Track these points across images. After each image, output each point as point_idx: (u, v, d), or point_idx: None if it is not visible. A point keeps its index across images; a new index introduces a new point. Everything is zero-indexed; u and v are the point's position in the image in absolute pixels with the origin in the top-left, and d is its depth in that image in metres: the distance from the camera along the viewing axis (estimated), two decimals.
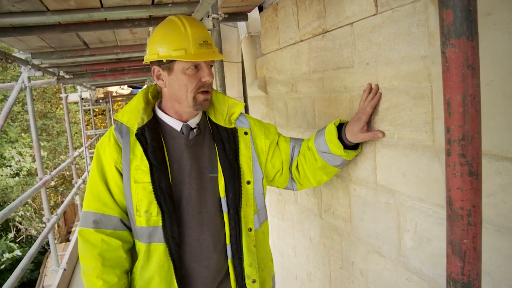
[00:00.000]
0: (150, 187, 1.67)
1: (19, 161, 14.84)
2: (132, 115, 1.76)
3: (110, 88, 13.09)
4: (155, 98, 1.89)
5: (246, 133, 1.87)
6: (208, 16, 2.69)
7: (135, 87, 13.74)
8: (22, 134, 15.17)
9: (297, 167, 1.97)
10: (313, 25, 2.27)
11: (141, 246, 1.74)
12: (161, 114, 1.81)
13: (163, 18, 3.09)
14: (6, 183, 14.38)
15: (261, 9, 3.33)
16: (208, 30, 2.73)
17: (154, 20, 3.11)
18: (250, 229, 1.80)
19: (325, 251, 2.49)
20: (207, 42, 1.68)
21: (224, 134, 1.83)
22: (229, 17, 3.13)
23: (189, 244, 1.74)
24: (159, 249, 1.71)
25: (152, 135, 1.72)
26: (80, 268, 1.78)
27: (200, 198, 1.75)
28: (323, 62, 2.23)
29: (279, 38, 2.83)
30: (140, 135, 1.72)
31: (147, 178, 1.68)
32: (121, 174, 1.73)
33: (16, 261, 13.35)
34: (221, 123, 1.85)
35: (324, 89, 2.26)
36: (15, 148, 14.70)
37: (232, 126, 1.85)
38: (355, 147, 1.86)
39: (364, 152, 1.94)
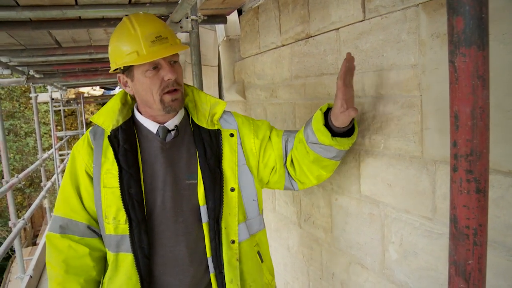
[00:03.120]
0: (118, 192, 1.58)
1: None
2: (108, 116, 1.67)
3: (82, 89, 12.82)
4: (135, 98, 1.77)
5: (232, 135, 1.72)
6: (187, 18, 2.62)
7: (107, 88, 13.50)
8: None
9: (292, 162, 1.76)
10: (296, 30, 2.22)
11: (109, 256, 1.66)
12: (138, 116, 1.72)
13: None
14: None
15: (240, 12, 3.28)
16: (187, 32, 2.67)
17: None
18: (233, 241, 1.65)
19: (304, 261, 2.44)
20: (161, 37, 1.54)
21: (206, 136, 1.69)
22: (208, 19, 3.07)
23: (161, 255, 1.64)
24: (127, 259, 1.61)
25: (126, 137, 1.63)
26: (47, 275, 1.70)
27: (176, 206, 1.63)
28: (305, 68, 2.19)
29: (259, 42, 2.77)
30: (113, 137, 1.63)
31: (116, 183, 1.59)
32: (91, 178, 1.65)
33: None
34: (203, 124, 1.71)
35: (306, 95, 2.21)
36: None
37: (215, 127, 1.71)
38: (348, 134, 1.61)
39: (347, 161, 1.89)
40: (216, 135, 1.70)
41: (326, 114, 1.62)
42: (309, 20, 2.08)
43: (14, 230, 5.30)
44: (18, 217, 5.61)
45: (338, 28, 1.85)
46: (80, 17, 2.90)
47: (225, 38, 3.69)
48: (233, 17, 3.31)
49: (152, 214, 1.63)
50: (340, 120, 1.53)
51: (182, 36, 4.94)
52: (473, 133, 0.73)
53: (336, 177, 1.99)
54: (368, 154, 1.74)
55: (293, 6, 2.23)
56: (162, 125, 1.68)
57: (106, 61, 5.71)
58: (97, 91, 13.85)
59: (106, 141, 1.64)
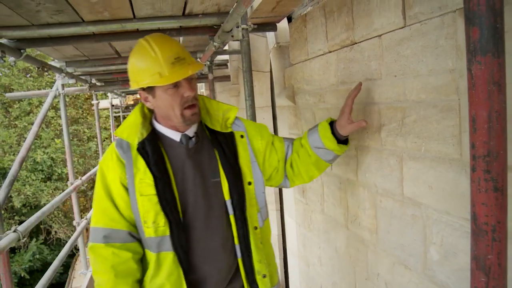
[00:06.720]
0: (155, 199, 1.73)
1: (51, 165, 15.23)
2: (132, 130, 1.82)
3: None
4: (152, 111, 1.93)
5: (242, 136, 1.94)
6: (238, 27, 2.73)
7: None
8: (55, 139, 15.57)
9: (291, 164, 2.06)
10: (342, 37, 2.28)
11: (151, 256, 1.81)
12: (159, 127, 1.87)
13: (193, 28, 3.16)
14: (37, 187, 14.77)
15: (290, 19, 3.36)
16: (237, 40, 2.79)
17: (184, 31, 3.17)
18: (256, 228, 1.88)
19: (351, 261, 2.49)
20: (180, 58, 1.71)
21: (222, 139, 1.89)
22: (258, 28, 3.17)
23: (199, 248, 1.82)
24: (169, 257, 1.77)
25: (153, 148, 1.78)
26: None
27: (206, 203, 1.82)
28: (351, 74, 2.24)
29: (307, 49, 2.85)
30: (142, 149, 1.78)
31: (152, 191, 1.74)
32: (126, 189, 1.79)
33: (46, 262, 13.66)
34: (218, 128, 1.90)
35: None
36: (47, 153, 15.09)
37: (229, 130, 1.92)
38: (345, 142, 2.00)
39: (390, 164, 1.94)
40: (230, 136, 1.91)
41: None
42: (353, 27, 2.14)
43: (78, 229, 5.64)
44: (81, 217, 5.95)
45: (380, 35, 1.90)
46: (138, 29, 3.09)
47: (275, 45, 3.79)
48: (283, 24, 3.40)
49: (186, 213, 1.81)
50: (348, 129, 1.93)
51: (234, 44, 5.09)
52: (489, 135, 0.78)
53: (381, 180, 2.03)
54: (410, 157, 1.78)
55: (338, 14, 2.29)
56: (183, 133, 1.84)
57: None
58: None
59: (134, 153, 1.79)
